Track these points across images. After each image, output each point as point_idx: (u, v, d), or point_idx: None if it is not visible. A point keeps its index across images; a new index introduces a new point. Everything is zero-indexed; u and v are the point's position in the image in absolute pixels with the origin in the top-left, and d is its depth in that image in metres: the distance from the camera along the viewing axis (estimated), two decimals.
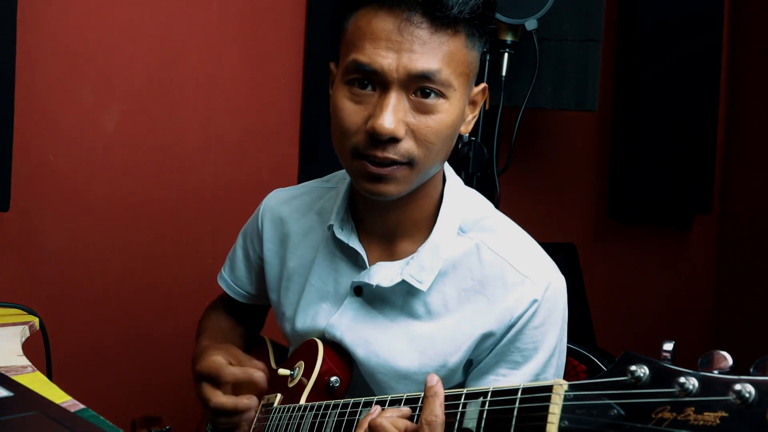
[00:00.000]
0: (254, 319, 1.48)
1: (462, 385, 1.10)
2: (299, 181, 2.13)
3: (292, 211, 1.25)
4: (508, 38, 1.97)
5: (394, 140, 0.98)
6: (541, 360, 1.05)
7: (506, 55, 1.98)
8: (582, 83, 2.12)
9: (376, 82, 0.98)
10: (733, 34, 2.91)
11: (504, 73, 1.98)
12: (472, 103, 1.08)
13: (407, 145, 0.99)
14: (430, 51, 0.96)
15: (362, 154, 1.00)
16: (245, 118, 2.08)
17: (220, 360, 1.16)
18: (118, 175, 1.92)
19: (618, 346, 2.08)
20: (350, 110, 1.00)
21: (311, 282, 1.19)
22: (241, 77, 2.06)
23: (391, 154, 0.98)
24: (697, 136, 2.73)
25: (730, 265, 2.98)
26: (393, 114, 0.96)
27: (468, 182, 1.93)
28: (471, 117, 1.08)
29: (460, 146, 1.94)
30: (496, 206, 1.20)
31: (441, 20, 0.96)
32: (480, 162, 1.93)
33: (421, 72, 0.96)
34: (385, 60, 0.96)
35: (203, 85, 2.01)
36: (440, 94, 0.98)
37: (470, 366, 1.09)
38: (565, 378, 1.14)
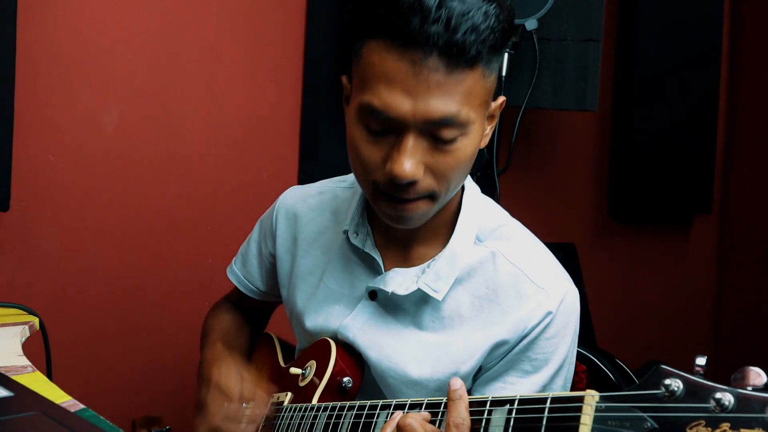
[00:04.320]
0: (262, 315, 1.48)
1: (469, 391, 1.09)
2: (299, 182, 2.14)
3: (307, 210, 1.25)
4: None
5: (414, 181, 0.96)
6: (551, 371, 1.05)
7: (506, 55, 1.98)
8: (582, 83, 2.12)
9: (392, 125, 0.95)
10: (733, 34, 2.91)
11: (504, 73, 1.99)
12: (491, 117, 1.05)
13: (427, 183, 0.98)
14: (447, 93, 0.92)
15: (383, 191, 0.99)
16: (245, 118, 2.08)
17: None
18: (118, 175, 1.92)
19: (618, 346, 2.08)
20: (367, 149, 0.98)
21: (325, 283, 1.18)
22: (241, 77, 2.06)
23: (411, 194, 0.98)
24: (697, 136, 2.73)
25: (730, 265, 2.98)
26: (411, 158, 0.94)
27: None
28: (489, 130, 1.05)
29: None
30: None
31: (458, 63, 0.92)
32: (480, 162, 1.94)
33: (440, 118, 0.93)
34: (402, 107, 0.93)
35: (203, 85, 2.01)
36: (460, 133, 0.96)
37: (478, 372, 1.09)
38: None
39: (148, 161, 1.96)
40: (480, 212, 1.12)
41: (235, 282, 1.39)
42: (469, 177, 1.14)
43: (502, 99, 1.06)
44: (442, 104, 0.92)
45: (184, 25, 1.97)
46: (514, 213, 1.20)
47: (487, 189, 1.98)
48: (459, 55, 0.90)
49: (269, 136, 2.11)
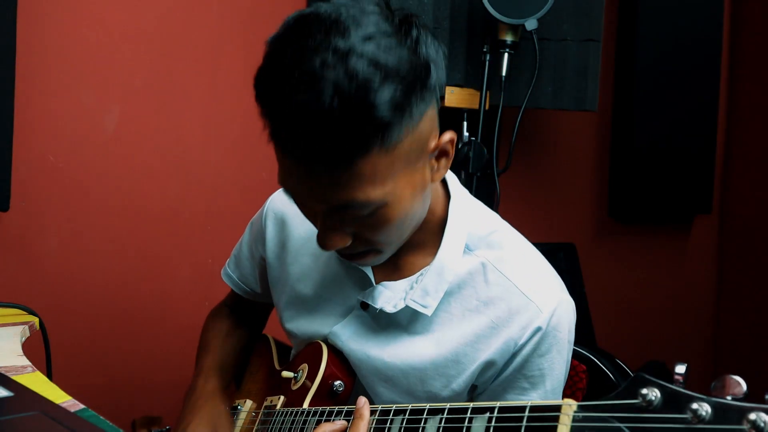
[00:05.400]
0: (260, 315, 1.47)
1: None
2: None
3: (295, 214, 1.21)
4: (508, 38, 1.97)
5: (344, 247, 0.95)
6: (549, 387, 1.04)
7: (506, 55, 1.98)
8: (582, 83, 2.12)
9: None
10: (733, 34, 2.91)
11: (504, 73, 1.98)
12: (442, 154, 0.97)
13: (362, 243, 0.96)
14: (342, 186, 0.86)
15: None
16: (245, 118, 2.08)
17: None
18: (118, 175, 1.92)
19: (618, 346, 2.08)
20: (300, 208, 0.98)
21: (315, 290, 1.17)
22: (241, 77, 2.06)
23: (350, 251, 0.97)
24: (697, 136, 2.73)
25: (730, 265, 2.98)
26: (332, 233, 0.93)
27: (468, 182, 1.93)
28: (444, 163, 0.98)
29: (460, 146, 1.94)
30: (496, 206, 1.19)
31: (339, 166, 0.85)
32: (480, 162, 1.93)
33: (343, 204, 0.89)
34: (303, 196, 0.91)
35: (203, 85, 2.01)
36: (377, 206, 0.90)
37: (474, 390, 1.08)
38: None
39: (148, 161, 1.96)
40: (469, 218, 1.08)
41: (230, 284, 1.38)
42: (455, 180, 1.11)
43: (449, 136, 0.96)
44: (340, 194, 0.87)
45: (184, 24, 1.97)
46: (514, 213, 1.19)
47: (487, 189, 1.99)
48: (337, 163, 0.84)
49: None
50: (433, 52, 0.90)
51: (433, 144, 0.94)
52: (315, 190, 0.89)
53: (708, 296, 3.01)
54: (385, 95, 0.83)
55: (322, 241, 0.94)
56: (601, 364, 1.38)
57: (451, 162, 0.99)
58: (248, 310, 1.44)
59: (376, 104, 0.83)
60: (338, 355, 1.13)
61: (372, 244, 0.97)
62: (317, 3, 0.91)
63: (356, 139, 0.83)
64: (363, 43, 0.83)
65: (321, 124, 0.82)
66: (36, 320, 1.32)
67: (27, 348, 1.17)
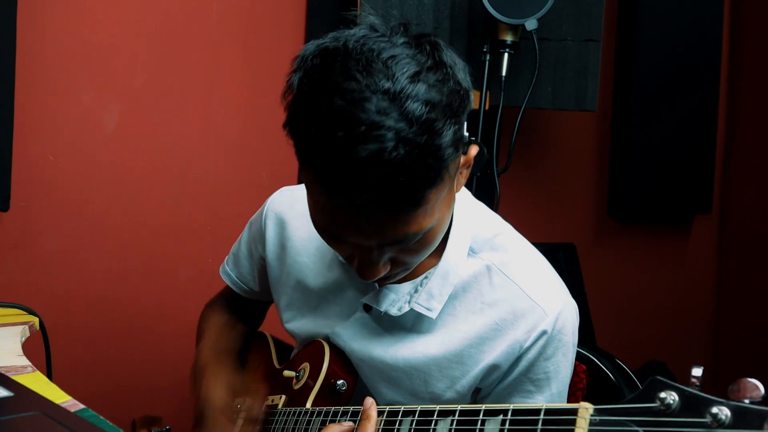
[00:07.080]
0: (257, 312, 1.47)
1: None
2: (299, 182, 2.13)
3: (296, 215, 1.21)
4: (508, 38, 1.97)
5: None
6: (555, 390, 1.04)
7: (506, 55, 1.98)
8: (582, 83, 2.12)
9: None
10: (733, 34, 2.91)
11: (504, 73, 1.98)
12: (467, 165, 0.97)
13: (399, 266, 0.96)
14: (397, 226, 0.86)
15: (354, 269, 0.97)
16: (245, 118, 2.08)
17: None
18: (118, 174, 1.92)
19: (618, 346, 2.08)
20: (333, 245, 0.96)
21: (317, 292, 1.17)
22: (241, 77, 2.06)
23: (385, 275, 0.96)
24: (697, 136, 2.73)
25: (730, 265, 2.98)
26: (377, 266, 0.92)
27: (468, 182, 1.93)
28: (466, 173, 0.98)
29: None
30: (496, 206, 1.19)
31: (400, 210, 0.84)
32: (480, 162, 1.93)
33: (394, 240, 0.88)
34: (353, 239, 0.88)
35: (203, 85, 2.01)
36: (426, 232, 0.90)
37: (478, 393, 1.08)
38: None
39: (148, 161, 1.96)
40: (473, 221, 1.08)
41: (228, 282, 1.39)
42: None
43: (476, 150, 0.96)
44: (398, 231, 0.87)
45: (184, 25, 1.97)
46: (514, 213, 1.19)
47: (487, 189, 1.99)
48: (403, 207, 0.84)
49: (269, 136, 2.11)
50: (463, 73, 0.89)
51: (464, 159, 0.95)
52: (368, 231, 0.87)
53: (708, 296, 3.01)
54: (448, 136, 0.83)
55: (367, 275, 0.93)
56: (601, 364, 1.38)
57: (470, 169, 0.99)
58: (246, 307, 1.44)
59: (442, 146, 0.82)
60: (340, 355, 1.13)
61: (409, 264, 0.97)
62: (335, 34, 0.87)
63: (422, 182, 0.83)
64: (412, 83, 0.81)
65: (387, 173, 0.80)
66: (36, 320, 1.32)
67: (27, 348, 1.17)
